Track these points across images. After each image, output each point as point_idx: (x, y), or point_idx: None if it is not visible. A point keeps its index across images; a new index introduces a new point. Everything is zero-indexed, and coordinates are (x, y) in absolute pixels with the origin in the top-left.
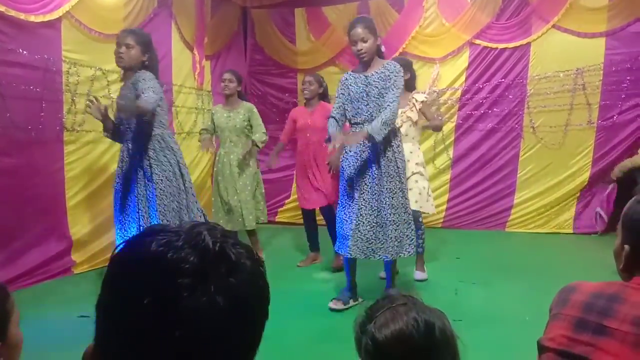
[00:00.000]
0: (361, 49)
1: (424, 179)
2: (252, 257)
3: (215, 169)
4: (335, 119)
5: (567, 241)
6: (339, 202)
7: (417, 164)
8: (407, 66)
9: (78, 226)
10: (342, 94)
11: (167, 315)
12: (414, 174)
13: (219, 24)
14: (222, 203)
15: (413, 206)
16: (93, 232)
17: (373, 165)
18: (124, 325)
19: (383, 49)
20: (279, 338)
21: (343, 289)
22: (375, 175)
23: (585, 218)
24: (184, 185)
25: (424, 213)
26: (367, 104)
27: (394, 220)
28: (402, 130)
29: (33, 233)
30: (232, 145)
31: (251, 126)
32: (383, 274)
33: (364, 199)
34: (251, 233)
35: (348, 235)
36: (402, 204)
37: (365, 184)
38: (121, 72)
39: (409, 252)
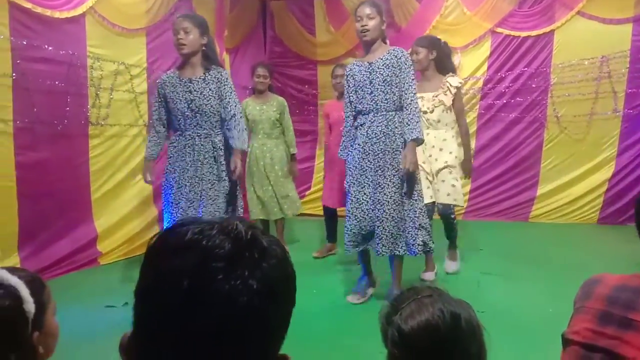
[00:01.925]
0: (365, 25)
1: (458, 170)
2: (280, 245)
3: (247, 159)
4: (351, 121)
5: (591, 232)
6: (347, 197)
7: (450, 153)
8: (433, 44)
9: (103, 218)
10: (348, 86)
11: (204, 298)
12: (447, 166)
13: (239, 17)
14: (255, 194)
15: (445, 200)
16: (118, 224)
17: (373, 157)
18: (163, 309)
19: (386, 38)
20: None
21: (358, 279)
22: (375, 168)
23: (611, 209)
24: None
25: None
26: (371, 92)
27: (392, 216)
28: (434, 116)
29: (59, 225)
30: (266, 137)
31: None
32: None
33: (364, 193)
34: (279, 224)
35: (357, 232)
36: (401, 199)
37: (366, 177)
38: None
39: (405, 250)
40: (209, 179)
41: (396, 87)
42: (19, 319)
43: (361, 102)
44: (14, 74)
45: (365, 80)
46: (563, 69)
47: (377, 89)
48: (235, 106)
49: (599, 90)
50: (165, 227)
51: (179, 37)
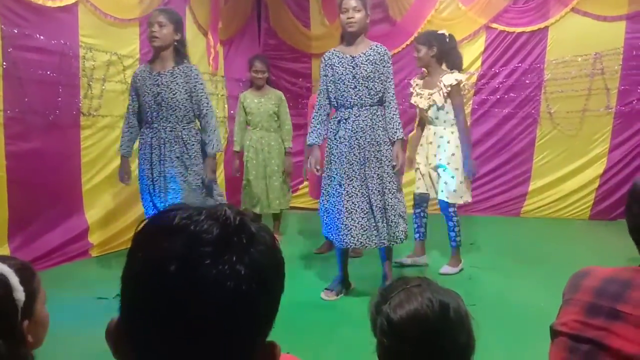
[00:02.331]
0: (352, 17)
1: (453, 169)
2: (269, 233)
3: (245, 153)
4: (321, 113)
5: (583, 228)
6: (323, 191)
7: (445, 151)
8: (433, 41)
9: (94, 209)
10: (325, 75)
11: (191, 283)
12: (441, 164)
13: (233, 8)
14: (252, 188)
15: (440, 196)
16: (109, 216)
17: (358, 150)
18: (149, 294)
19: (367, 31)
20: (296, 321)
21: (335, 278)
22: (361, 161)
23: (602, 205)
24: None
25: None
26: (355, 87)
27: (384, 207)
28: (431, 113)
29: (50, 216)
30: (264, 130)
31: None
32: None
33: (352, 186)
34: (275, 217)
35: (340, 226)
36: (389, 189)
37: (353, 170)
38: (135, 56)
39: (401, 239)
40: (175, 173)
41: (379, 83)
42: (8, 307)
43: (343, 96)
44: (4, 63)
45: (348, 74)
46: (557, 65)
47: (361, 84)
48: (207, 104)
49: (592, 86)
50: (146, 216)
51: (152, 30)
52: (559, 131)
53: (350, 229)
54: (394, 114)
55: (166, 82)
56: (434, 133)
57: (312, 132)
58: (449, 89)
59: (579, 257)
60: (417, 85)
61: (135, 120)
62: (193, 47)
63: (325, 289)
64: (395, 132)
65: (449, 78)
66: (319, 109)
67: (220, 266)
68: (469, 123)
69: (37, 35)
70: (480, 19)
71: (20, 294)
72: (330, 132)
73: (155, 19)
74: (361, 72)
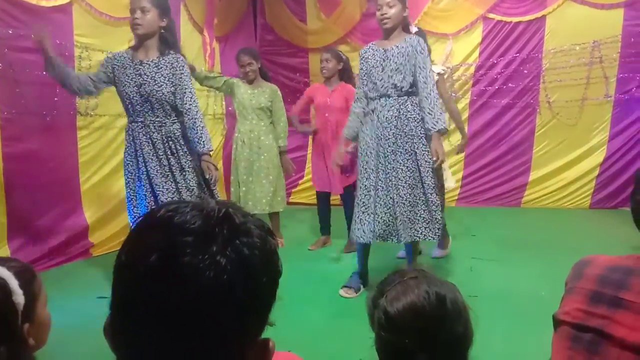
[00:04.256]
0: (385, 14)
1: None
2: (261, 226)
3: (233, 146)
4: (356, 106)
5: (583, 217)
6: (359, 185)
7: None
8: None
9: (93, 209)
10: (361, 69)
11: (171, 272)
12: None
13: (229, 4)
14: (239, 185)
15: None
16: (108, 215)
17: (385, 142)
18: (132, 285)
19: (413, 29)
20: (296, 316)
21: (354, 274)
22: (388, 153)
23: (603, 193)
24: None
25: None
26: (382, 79)
27: (410, 201)
28: None
29: (49, 217)
30: (254, 124)
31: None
32: (401, 254)
33: (378, 179)
34: (273, 217)
35: (364, 220)
36: (419, 183)
37: (379, 162)
38: (134, 40)
39: (424, 235)
40: (167, 172)
41: (409, 74)
42: (8, 311)
43: (371, 88)
44: None
45: (377, 66)
46: (555, 54)
47: (389, 75)
48: (192, 99)
49: (591, 75)
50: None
51: (134, 17)
52: (558, 120)
53: (371, 223)
54: (433, 105)
55: (150, 73)
56: None
57: (346, 125)
58: (437, 77)
59: (580, 247)
60: (444, 73)
61: (91, 80)
62: (189, 44)
63: (344, 286)
64: (435, 124)
65: (436, 67)
66: (355, 102)
67: (200, 256)
68: (468, 114)
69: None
70: (477, 9)
71: (20, 297)
72: (362, 125)
73: (138, 4)
74: (390, 65)
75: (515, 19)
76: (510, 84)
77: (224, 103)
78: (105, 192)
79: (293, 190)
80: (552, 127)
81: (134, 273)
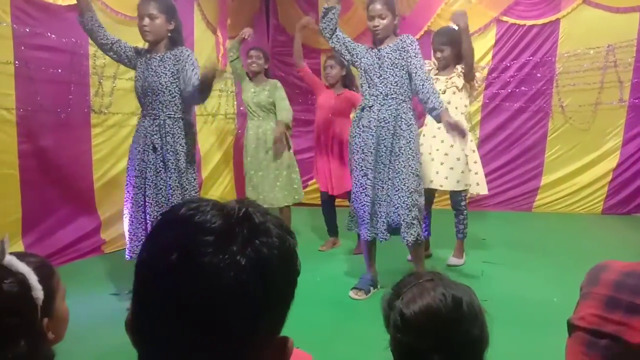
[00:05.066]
0: (377, 26)
1: (465, 154)
2: (280, 226)
3: (245, 143)
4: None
5: (596, 222)
6: (354, 182)
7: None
8: (455, 41)
9: (105, 206)
10: (360, 68)
11: (192, 271)
12: (454, 152)
13: (242, 5)
14: (253, 180)
15: (455, 187)
16: (121, 212)
17: (382, 140)
18: (152, 282)
19: (397, 30)
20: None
21: (363, 276)
22: (385, 151)
23: (615, 199)
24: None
25: (470, 194)
26: (380, 76)
27: (405, 201)
28: (446, 97)
29: (62, 213)
30: (261, 120)
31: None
32: (410, 257)
33: (376, 177)
34: (283, 212)
35: (366, 218)
36: (414, 183)
37: (377, 160)
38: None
39: (412, 236)
40: (159, 167)
41: (405, 72)
42: (27, 306)
43: (371, 86)
44: (16, 62)
45: (374, 65)
46: (568, 58)
47: (387, 72)
48: (195, 74)
49: (605, 79)
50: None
51: (143, 24)
52: (571, 125)
53: (372, 221)
54: (431, 90)
55: (154, 66)
56: None
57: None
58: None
59: (592, 252)
60: (432, 69)
61: (112, 43)
62: (202, 44)
63: (354, 287)
64: (441, 102)
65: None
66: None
67: (221, 255)
68: (480, 117)
69: (48, 34)
70: (490, 12)
71: (39, 292)
72: (354, 120)
73: (146, 11)
74: (386, 62)
75: (529, 22)
76: (523, 88)
77: (235, 103)
78: (118, 189)
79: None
80: (565, 131)
81: (154, 271)
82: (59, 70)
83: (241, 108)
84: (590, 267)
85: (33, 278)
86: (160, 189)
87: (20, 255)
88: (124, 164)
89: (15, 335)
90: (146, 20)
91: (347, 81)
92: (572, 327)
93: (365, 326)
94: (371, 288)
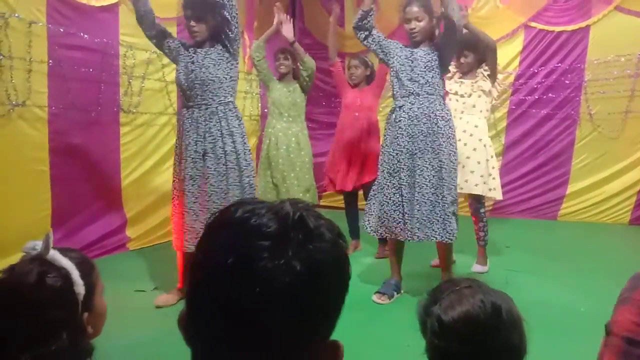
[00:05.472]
0: (414, 28)
1: (485, 159)
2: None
3: (266, 142)
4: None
5: (622, 233)
6: (377, 181)
7: (480, 140)
8: (479, 47)
9: (132, 204)
10: (392, 64)
11: (247, 275)
12: (476, 155)
13: (268, 8)
14: (272, 182)
15: (474, 190)
16: (146, 210)
17: (410, 140)
18: (208, 284)
19: (437, 32)
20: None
21: (386, 280)
22: (412, 151)
23: None
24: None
25: (488, 198)
26: (411, 78)
27: (430, 200)
28: (471, 100)
29: (90, 210)
30: (290, 121)
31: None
32: (435, 262)
33: (400, 177)
34: None
35: (398, 219)
36: (438, 183)
37: (400, 160)
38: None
39: (441, 236)
40: (200, 156)
41: (437, 72)
42: (70, 300)
43: (401, 87)
44: (50, 61)
45: (406, 66)
46: (598, 65)
47: (418, 74)
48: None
49: (636, 87)
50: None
51: (191, 25)
52: (599, 133)
53: (405, 222)
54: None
55: (201, 59)
56: (467, 122)
57: None
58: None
59: (618, 262)
60: (455, 73)
61: (155, 22)
62: None
63: (377, 292)
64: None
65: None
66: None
67: (276, 260)
68: (506, 123)
69: (81, 34)
70: (519, 18)
71: (80, 287)
72: (386, 122)
73: (192, 12)
74: (419, 65)
75: (558, 29)
76: (550, 94)
77: (259, 105)
78: (145, 188)
79: (323, 193)
80: (593, 139)
81: (209, 272)
82: (90, 70)
83: (265, 110)
84: (616, 277)
85: (75, 273)
86: (222, 174)
87: (63, 251)
88: (151, 163)
89: (58, 328)
90: (193, 22)
91: (371, 80)
92: (608, 331)
93: (388, 331)
94: (395, 293)
